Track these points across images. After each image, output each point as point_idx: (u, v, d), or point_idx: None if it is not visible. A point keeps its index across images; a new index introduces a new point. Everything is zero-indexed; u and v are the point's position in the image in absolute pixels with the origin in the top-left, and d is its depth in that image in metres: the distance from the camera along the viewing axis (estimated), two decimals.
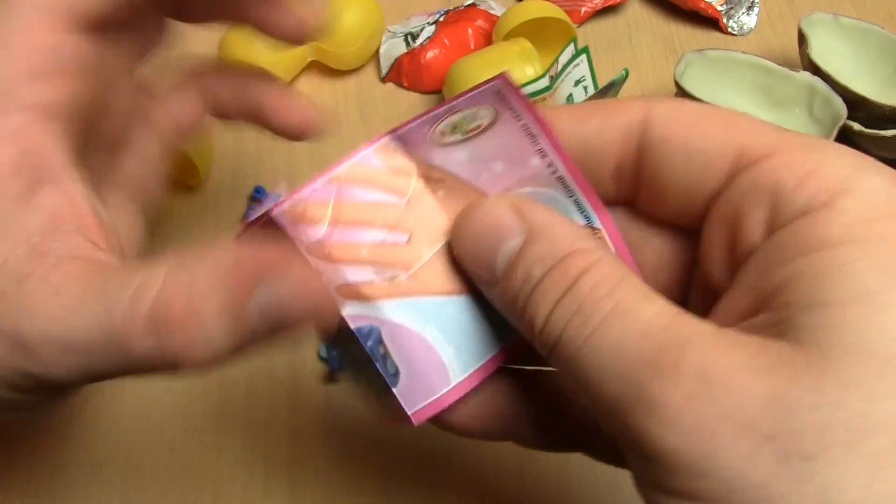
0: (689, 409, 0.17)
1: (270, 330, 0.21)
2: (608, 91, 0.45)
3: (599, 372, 0.18)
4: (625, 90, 0.46)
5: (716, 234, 0.21)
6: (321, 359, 0.40)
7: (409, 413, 0.22)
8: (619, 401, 0.18)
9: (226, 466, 0.38)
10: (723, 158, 0.20)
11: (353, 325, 0.22)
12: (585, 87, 0.47)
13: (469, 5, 0.54)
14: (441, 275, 0.23)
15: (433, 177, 0.23)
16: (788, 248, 0.18)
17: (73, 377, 0.22)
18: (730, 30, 0.55)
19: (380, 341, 0.22)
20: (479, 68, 0.48)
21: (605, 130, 0.22)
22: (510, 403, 0.23)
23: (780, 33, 0.56)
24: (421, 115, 0.22)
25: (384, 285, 0.22)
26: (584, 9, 0.55)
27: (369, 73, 0.53)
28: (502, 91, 0.22)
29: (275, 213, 0.21)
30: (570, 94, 0.47)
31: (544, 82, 0.46)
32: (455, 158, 0.23)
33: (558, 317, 0.19)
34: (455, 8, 0.55)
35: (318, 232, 0.22)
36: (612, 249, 0.22)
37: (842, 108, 0.45)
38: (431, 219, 0.23)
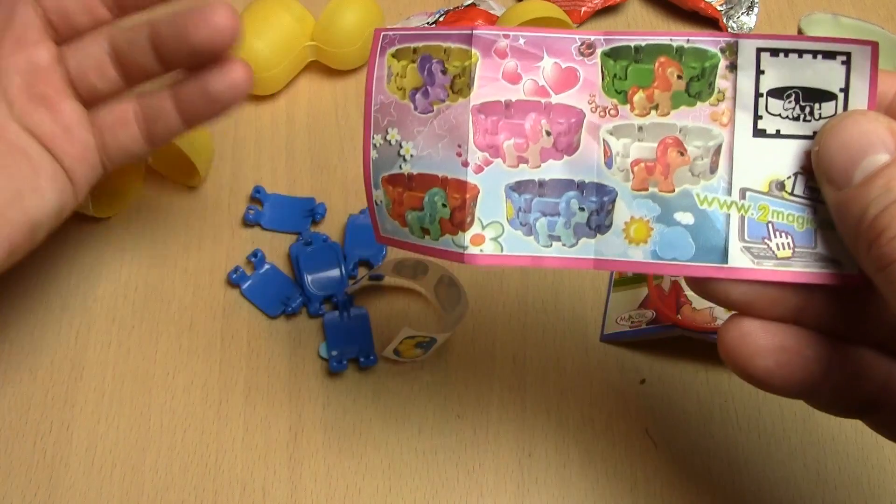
0: None
1: None
2: None
3: None
4: None
5: None
6: (321, 358, 0.40)
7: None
8: None
9: (226, 466, 0.38)
10: None
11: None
12: None
13: (469, 5, 0.54)
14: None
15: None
16: None
17: None
18: (730, 30, 0.55)
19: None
20: None
21: None
22: (820, 365, 0.25)
23: (780, 33, 0.56)
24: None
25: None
26: (584, 9, 0.55)
27: None
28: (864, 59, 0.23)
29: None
30: None
31: None
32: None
33: None
34: (455, 8, 0.55)
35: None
36: None
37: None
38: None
